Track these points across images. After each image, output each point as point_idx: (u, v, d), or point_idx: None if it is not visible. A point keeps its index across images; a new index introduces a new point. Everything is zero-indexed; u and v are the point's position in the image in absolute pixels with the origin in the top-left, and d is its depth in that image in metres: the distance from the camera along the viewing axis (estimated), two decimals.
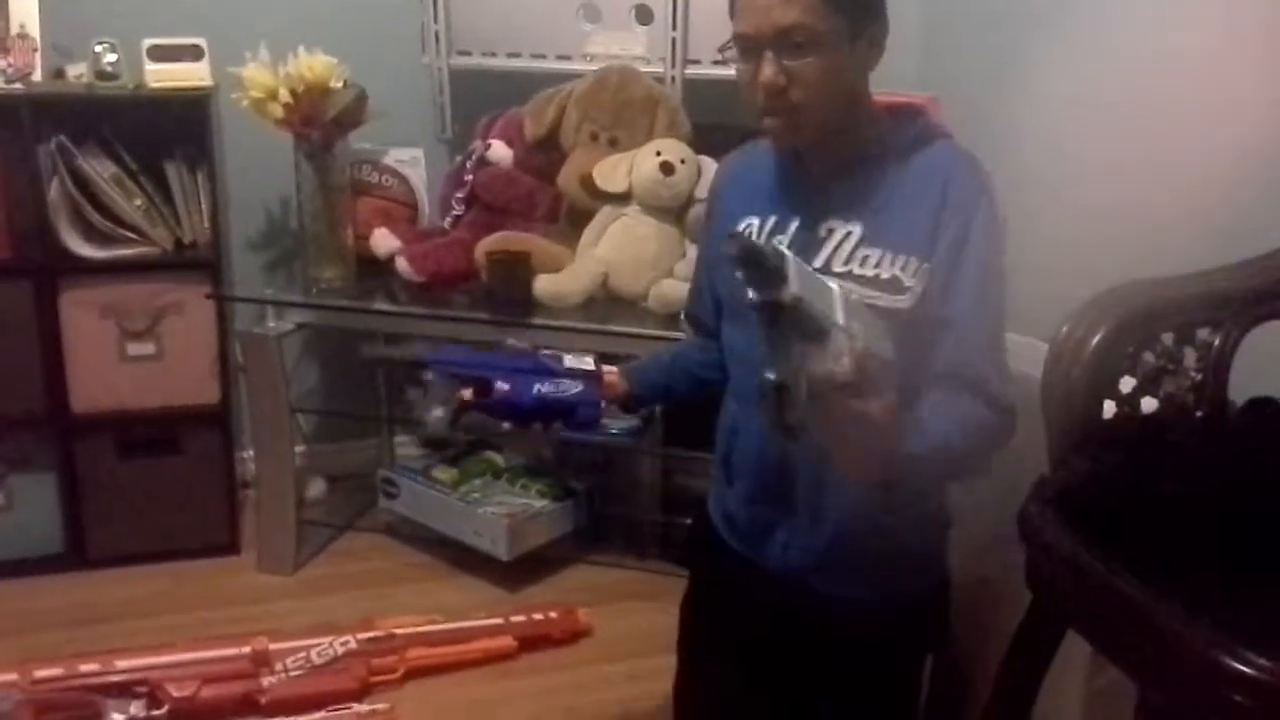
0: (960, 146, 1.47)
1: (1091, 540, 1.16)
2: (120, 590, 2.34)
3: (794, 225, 1.48)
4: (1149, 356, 1.33)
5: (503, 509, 2.35)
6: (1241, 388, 1.38)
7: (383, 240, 2.34)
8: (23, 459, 2.35)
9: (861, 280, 1.41)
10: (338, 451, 2.83)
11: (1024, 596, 1.38)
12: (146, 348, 2.34)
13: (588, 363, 1.56)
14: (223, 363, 2.39)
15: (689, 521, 1.78)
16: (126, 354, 2.33)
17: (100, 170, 2.26)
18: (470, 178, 2.36)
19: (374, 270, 2.37)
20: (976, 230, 1.38)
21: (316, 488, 2.73)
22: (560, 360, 1.56)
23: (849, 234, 1.44)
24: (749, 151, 1.58)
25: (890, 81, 2.32)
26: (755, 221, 1.51)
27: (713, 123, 2.33)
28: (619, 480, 2.59)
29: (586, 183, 2.26)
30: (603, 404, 1.57)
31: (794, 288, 1.04)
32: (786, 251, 1.10)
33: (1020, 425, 1.41)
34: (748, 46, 1.41)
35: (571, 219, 2.35)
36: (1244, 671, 0.95)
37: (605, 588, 2.38)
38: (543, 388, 1.51)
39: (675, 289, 2.15)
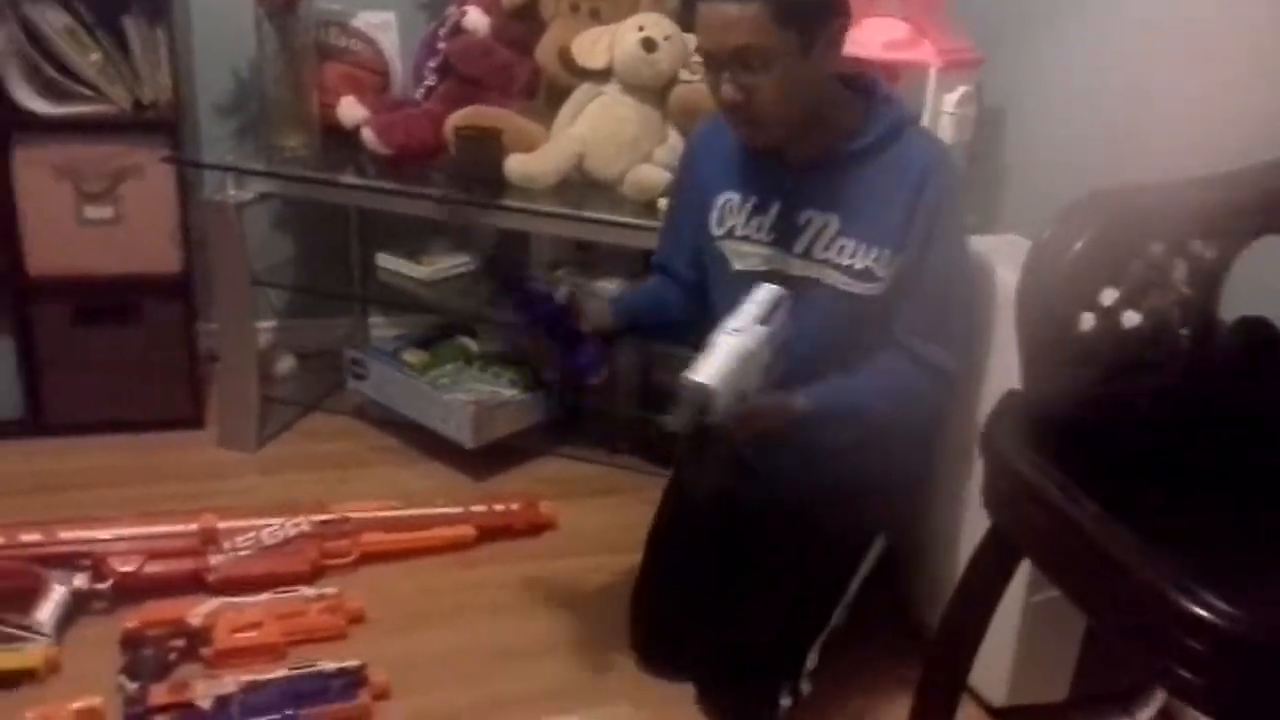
0: (929, 135, 1.61)
1: (1053, 461, 1.08)
2: (79, 459, 2.29)
3: (774, 209, 1.60)
4: (1135, 267, 1.24)
5: (470, 395, 2.28)
6: (1234, 307, 1.29)
7: (349, 109, 2.22)
8: None
9: (838, 268, 1.56)
10: (310, 328, 2.76)
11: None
12: (104, 211, 2.25)
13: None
14: (185, 231, 2.30)
15: None
16: (84, 217, 2.24)
17: (52, 21, 2.13)
18: (444, 46, 2.23)
19: (342, 140, 2.26)
20: (945, 221, 1.52)
21: (286, 364, 2.66)
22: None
23: (826, 224, 1.56)
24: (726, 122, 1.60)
25: None
26: (736, 198, 1.63)
27: None
28: None
29: (565, 57, 2.13)
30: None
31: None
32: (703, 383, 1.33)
33: (1004, 337, 1.48)
34: (708, 62, 1.50)
35: (550, 95, 2.22)
36: (1198, 614, 0.88)
37: (574, 481, 2.33)
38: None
39: (653, 175, 2.05)
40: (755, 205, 1.61)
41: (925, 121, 1.92)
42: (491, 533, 2.09)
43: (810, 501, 1.62)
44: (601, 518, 2.18)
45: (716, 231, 1.65)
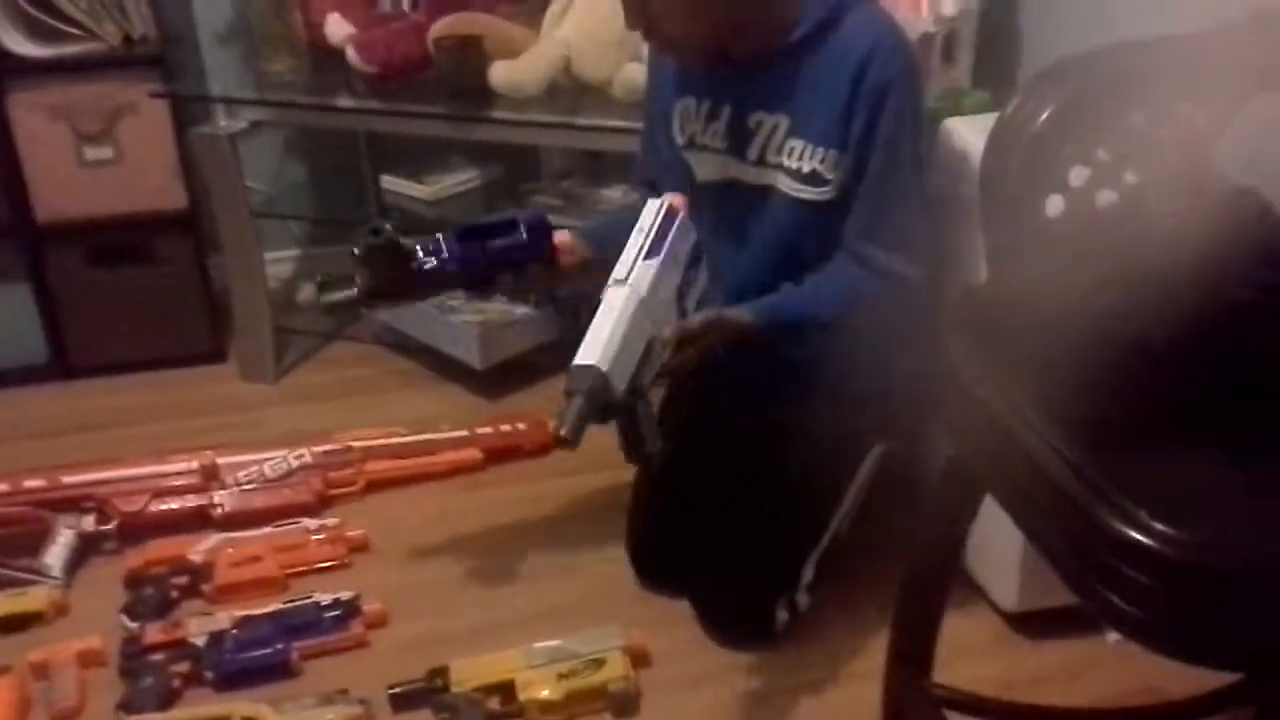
0: (873, 15, 1.46)
1: (1000, 366, 0.98)
2: (104, 399, 2.32)
3: (726, 113, 1.52)
4: (1110, 141, 1.10)
5: (478, 316, 2.22)
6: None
7: (336, 27, 2.14)
8: None
9: (789, 172, 1.48)
10: (331, 255, 2.71)
11: None
12: (104, 152, 2.23)
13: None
14: (187, 166, 2.27)
15: None
16: (85, 158, 2.23)
17: None
18: None
19: (334, 61, 2.19)
20: (887, 114, 1.41)
21: (307, 293, 2.64)
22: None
23: (776, 125, 1.48)
24: None
25: None
26: (692, 103, 1.55)
27: None
28: None
29: None
30: (554, 245, 1.53)
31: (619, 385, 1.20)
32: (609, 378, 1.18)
33: None
34: None
35: None
36: (1133, 538, 0.78)
37: None
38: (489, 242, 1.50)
39: (642, 74, 1.92)
40: (709, 110, 1.52)
41: None
42: (499, 454, 2.05)
43: (799, 413, 1.53)
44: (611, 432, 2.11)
45: (679, 140, 1.57)
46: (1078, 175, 1.10)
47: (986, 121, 1.53)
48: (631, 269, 1.27)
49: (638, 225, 1.33)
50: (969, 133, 1.54)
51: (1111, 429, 0.90)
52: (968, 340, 1.03)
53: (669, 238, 1.31)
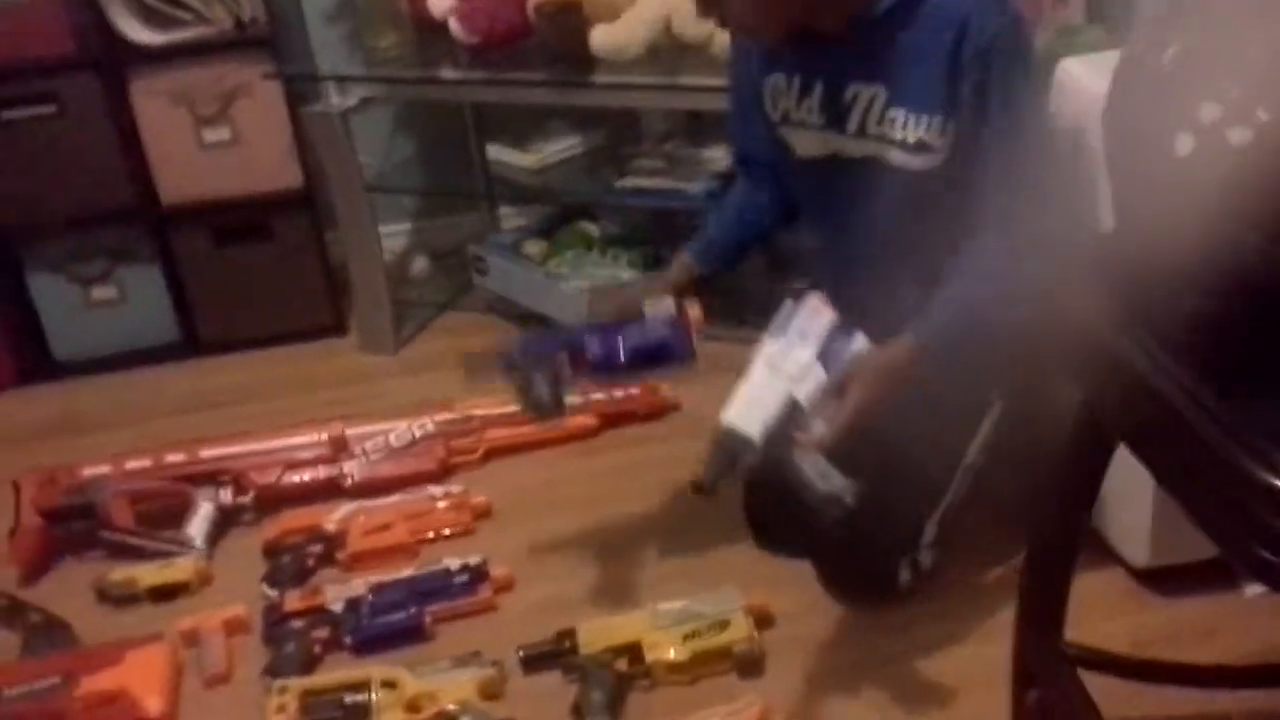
0: None
1: (1134, 313, 0.95)
2: (233, 375, 2.41)
3: (819, 88, 1.47)
4: (1238, 77, 1.05)
5: (586, 282, 2.24)
6: None
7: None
8: (127, 252, 2.40)
9: (895, 144, 1.43)
10: (441, 227, 2.77)
11: None
12: (222, 133, 2.30)
13: (667, 305, 1.56)
14: (301, 145, 2.33)
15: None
16: (204, 141, 2.30)
17: None
18: None
19: (438, 35, 2.21)
20: (996, 72, 1.36)
21: (420, 265, 2.69)
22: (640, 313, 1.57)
23: (875, 96, 1.43)
24: None
25: None
26: (781, 79, 1.50)
27: None
28: None
29: None
30: (694, 337, 1.55)
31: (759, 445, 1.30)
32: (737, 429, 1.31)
33: None
34: None
35: None
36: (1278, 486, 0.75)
37: (700, 359, 2.26)
38: (631, 340, 1.53)
39: None
40: (801, 86, 1.49)
41: None
42: (614, 419, 2.07)
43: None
44: (725, 395, 2.11)
45: (774, 116, 1.54)
46: (1208, 113, 1.05)
47: (1104, 60, 1.50)
48: (760, 349, 1.38)
49: (797, 310, 1.40)
50: (1085, 72, 1.49)
51: (1251, 376, 0.87)
52: (1099, 289, 1.00)
53: (795, 318, 1.39)
